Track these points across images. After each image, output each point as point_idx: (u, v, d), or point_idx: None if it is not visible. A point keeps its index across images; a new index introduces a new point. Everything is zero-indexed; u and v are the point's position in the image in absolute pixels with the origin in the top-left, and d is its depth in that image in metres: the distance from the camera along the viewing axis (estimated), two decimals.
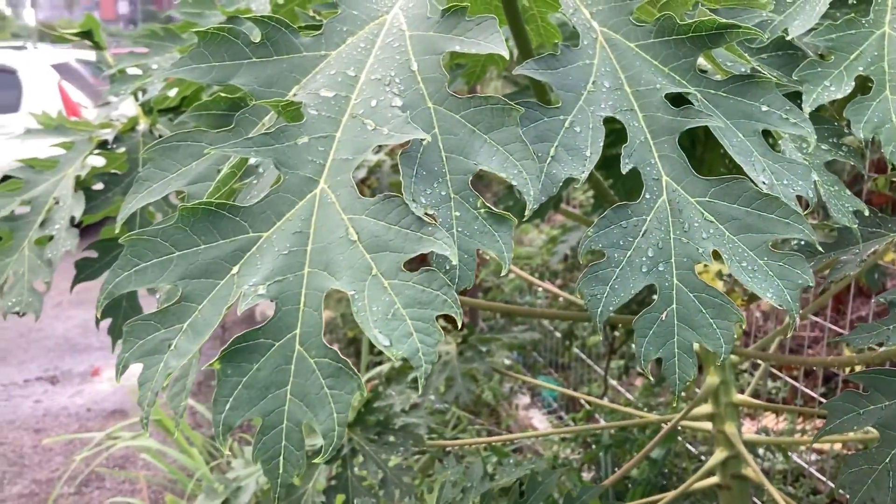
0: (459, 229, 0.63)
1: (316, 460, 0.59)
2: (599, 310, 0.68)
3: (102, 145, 1.28)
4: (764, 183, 0.70)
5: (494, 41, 0.65)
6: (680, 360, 0.67)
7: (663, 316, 0.68)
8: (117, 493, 3.41)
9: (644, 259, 0.68)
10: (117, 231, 0.84)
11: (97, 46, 1.41)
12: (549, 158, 0.68)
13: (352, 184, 0.62)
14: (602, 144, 0.70)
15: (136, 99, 1.35)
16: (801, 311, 0.67)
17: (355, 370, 0.56)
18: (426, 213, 0.61)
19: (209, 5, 1.20)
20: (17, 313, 1.14)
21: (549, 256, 2.74)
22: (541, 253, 3.43)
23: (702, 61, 0.81)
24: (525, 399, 3.46)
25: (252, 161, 0.72)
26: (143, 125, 1.32)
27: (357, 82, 0.67)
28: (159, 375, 0.57)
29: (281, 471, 0.56)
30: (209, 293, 0.59)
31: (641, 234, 0.69)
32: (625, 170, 0.70)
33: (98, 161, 1.28)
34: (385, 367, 1.98)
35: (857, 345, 0.97)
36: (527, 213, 0.63)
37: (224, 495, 1.69)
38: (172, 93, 1.33)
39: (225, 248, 0.60)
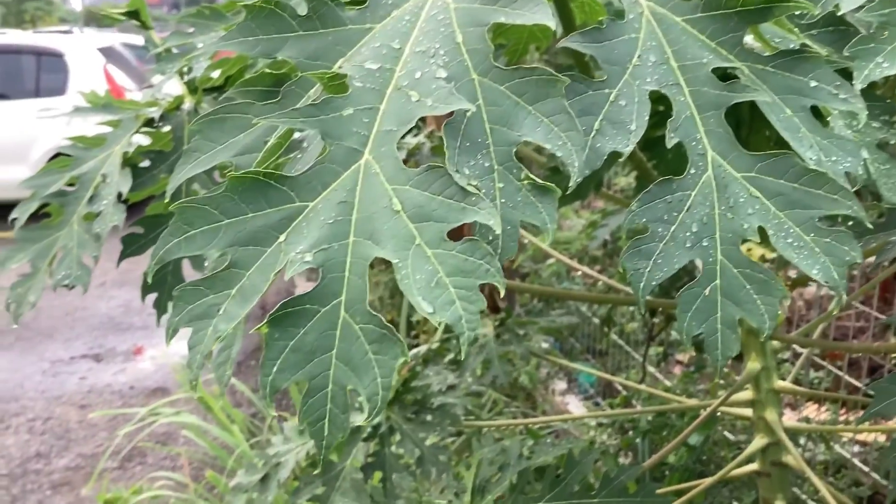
0: (503, 200, 0.63)
1: (360, 422, 0.59)
2: (642, 284, 0.67)
3: (148, 123, 1.30)
4: (811, 159, 0.69)
5: (540, 11, 0.65)
6: (723, 336, 0.67)
7: (707, 291, 0.67)
8: (159, 469, 3.49)
9: (688, 234, 0.68)
10: (166, 201, 0.86)
11: (144, 26, 1.43)
12: (594, 132, 0.68)
13: (396, 155, 0.63)
14: (647, 119, 0.69)
15: (182, 77, 1.37)
16: (847, 298, 0.66)
17: (399, 336, 0.56)
18: (469, 184, 0.61)
19: None
20: (67, 286, 1.17)
21: (589, 241, 2.72)
22: (580, 238, 3.40)
23: (750, 40, 0.80)
24: (562, 384, 3.45)
25: (297, 135, 0.73)
26: (188, 104, 1.34)
27: (402, 55, 0.68)
28: (208, 339, 0.58)
29: (326, 433, 0.57)
30: (257, 260, 0.60)
31: (686, 209, 0.68)
32: (670, 144, 0.69)
33: (143, 140, 1.30)
34: (422, 349, 1.99)
35: None
36: (570, 184, 0.63)
37: (263, 471, 1.72)
38: (216, 74, 1.35)
39: (272, 216, 0.61)
